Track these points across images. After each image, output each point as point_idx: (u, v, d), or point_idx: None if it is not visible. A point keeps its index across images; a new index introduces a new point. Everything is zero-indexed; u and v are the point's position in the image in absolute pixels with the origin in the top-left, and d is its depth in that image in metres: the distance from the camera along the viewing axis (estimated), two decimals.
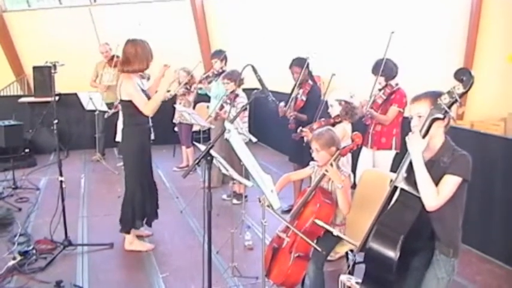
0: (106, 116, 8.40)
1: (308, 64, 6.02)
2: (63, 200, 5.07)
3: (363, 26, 12.16)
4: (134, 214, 5.13)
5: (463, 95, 2.58)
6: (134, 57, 4.86)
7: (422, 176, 2.62)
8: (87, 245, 5.31)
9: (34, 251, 4.87)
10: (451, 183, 2.62)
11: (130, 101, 4.87)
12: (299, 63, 6.03)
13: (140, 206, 5.13)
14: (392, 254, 2.60)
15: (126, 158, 5.18)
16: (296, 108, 5.96)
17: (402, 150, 5.22)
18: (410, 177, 2.73)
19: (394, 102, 5.30)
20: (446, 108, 2.59)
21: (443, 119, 2.65)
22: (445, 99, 2.60)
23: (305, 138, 5.24)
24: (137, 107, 4.86)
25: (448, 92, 2.59)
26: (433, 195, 2.59)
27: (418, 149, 2.66)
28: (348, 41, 12.35)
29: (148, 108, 4.86)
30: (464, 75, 2.57)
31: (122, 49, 5.00)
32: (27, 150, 8.72)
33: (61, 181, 5.02)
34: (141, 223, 5.29)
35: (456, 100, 2.58)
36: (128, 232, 5.19)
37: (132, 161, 5.08)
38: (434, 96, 2.75)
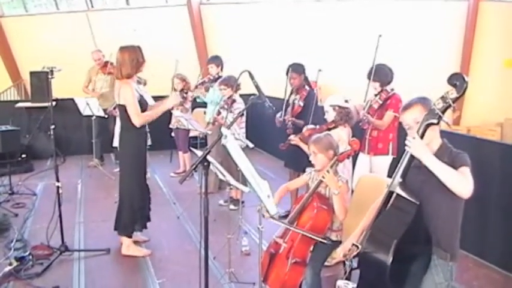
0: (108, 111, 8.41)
1: (305, 70, 6.05)
2: (59, 206, 5.06)
3: (358, 31, 12.18)
4: (134, 217, 5.16)
5: (456, 99, 2.59)
6: (122, 64, 4.94)
7: (444, 170, 2.58)
8: (84, 251, 5.30)
9: (30, 257, 4.86)
10: (466, 172, 2.62)
11: (125, 106, 4.93)
12: (296, 69, 6.05)
13: (140, 208, 5.19)
14: (385, 258, 2.61)
15: (124, 161, 5.19)
16: (294, 114, 5.98)
17: (399, 155, 5.24)
18: (405, 183, 2.74)
19: (389, 107, 5.31)
20: (440, 113, 2.60)
21: (437, 123, 2.66)
22: (438, 104, 2.61)
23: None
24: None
25: (442, 97, 2.61)
26: (463, 181, 2.56)
27: (426, 150, 2.66)
28: (344, 46, 12.38)
29: (139, 120, 4.92)
30: (457, 80, 2.58)
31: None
32: (24, 156, 8.68)
33: (58, 187, 5.02)
34: (141, 226, 5.31)
35: (450, 105, 2.59)
36: (129, 236, 5.21)
37: (130, 164, 5.11)
38: (423, 100, 2.84)
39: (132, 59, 4.94)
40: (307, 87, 6.08)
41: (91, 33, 13.52)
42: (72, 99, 8.84)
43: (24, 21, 15.30)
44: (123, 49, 4.98)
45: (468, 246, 4.96)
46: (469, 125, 12.20)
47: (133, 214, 5.15)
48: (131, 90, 4.90)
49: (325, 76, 6.05)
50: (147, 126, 5.25)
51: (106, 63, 8.81)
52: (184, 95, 7.82)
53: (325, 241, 3.51)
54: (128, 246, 5.20)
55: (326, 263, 3.86)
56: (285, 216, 5.08)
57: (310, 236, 3.54)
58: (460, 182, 2.56)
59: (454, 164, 2.61)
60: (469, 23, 12.03)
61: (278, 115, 6.07)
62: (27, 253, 4.91)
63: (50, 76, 4.94)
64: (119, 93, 4.96)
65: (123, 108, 4.97)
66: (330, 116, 5.06)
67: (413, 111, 2.86)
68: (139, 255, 5.17)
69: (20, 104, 9.92)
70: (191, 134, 8.35)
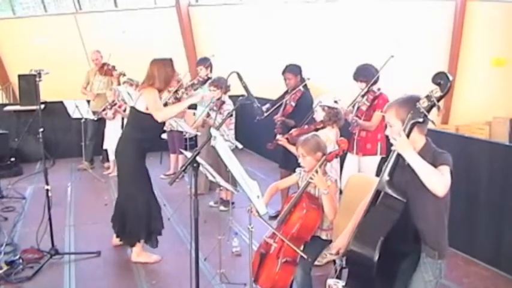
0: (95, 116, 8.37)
1: (301, 71, 6.07)
2: (49, 209, 5.05)
3: (347, 32, 12.25)
4: (139, 224, 4.98)
5: (441, 98, 2.60)
6: (152, 77, 4.83)
7: (422, 166, 2.60)
8: (74, 254, 5.28)
9: (21, 261, 4.84)
10: (445, 170, 2.63)
11: (141, 113, 4.82)
12: (292, 69, 6.07)
13: (143, 218, 4.99)
14: (371, 255, 2.62)
15: (122, 169, 5.06)
16: (284, 114, 5.99)
17: (387, 155, 5.27)
18: (393, 181, 2.76)
19: (377, 107, 5.31)
20: (425, 112, 2.62)
21: (422, 122, 2.68)
22: (423, 103, 2.63)
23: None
24: (144, 120, 4.83)
25: (427, 96, 2.62)
26: (438, 179, 2.57)
27: (409, 147, 2.67)
28: (332, 47, 12.43)
29: (161, 114, 4.80)
30: (441, 79, 2.60)
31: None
32: (13, 159, 8.66)
33: (47, 190, 5.00)
34: (144, 236, 5.06)
35: (434, 104, 2.61)
36: (133, 245, 5.08)
37: (128, 172, 4.98)
38: (399, 104, 2.82)
39: (161, 73, 4.83)
40: (302, 89, 6.07)
41: (79, 36, 13.46)
42: (61, 102, 8.82)
43: (12, 24, 15.23)
44: (153, 62, 4.89)
45: (457, 244, 4.98)
46: (457, 124, 12.29)
47: (137, 222, 4.97)
48: (155, 94, 4.80)
49: (313, 77, 6.06)
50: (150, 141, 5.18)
51: (103, 64, 8.79)
52: (178, 96, 7.78)
53: (305, 255, 3.52)
54: (138, 253, 5.08)
55: (316, 262, 3.88)
56: (275, 217, 5.11)
57: (291, 247, 3.55)
58: (435, 179, 2.58)
59: (435, 163, 2.64)
60: (456, 23, 12.11)
61: (267, 105, 6.12)
62: (17, 257, 4.89)
63: (37, 79, 4.91)
64: (139, 97, 4.88)
65: (135, 113, 4.88)
66: (319, 116, 5.07)
67: (387, 115, 2.89)
68: (149, 262, 5.07)
69: (8, 108, 9.88)
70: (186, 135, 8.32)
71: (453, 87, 12.09)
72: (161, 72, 4.84)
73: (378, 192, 2.82)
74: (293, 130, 5.25)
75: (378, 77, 5.39)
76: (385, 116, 2.95)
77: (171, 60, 4.97)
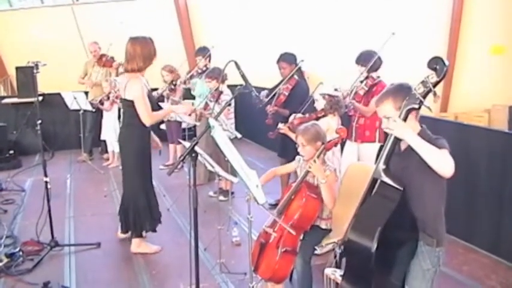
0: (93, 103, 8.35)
1: (296, 59, 6.02)
2: (48, 201, 5.04)
3: (346, 19, 12.20)
4: (141, 216, 5.00)
5: (437, 84, 2.58)
6: (133, 56, 4.74)
7: (428, 148, 2.55)
8: (74, 245, 5.30)
9: (21, 253, 4.85)
10: (447, 153, 2.59)
11: (133, 102, 4.75)
12: (286, 58, 6.03)
13: (145, 207, 5.01)
14: (369, 245, 2.61)
15: (126, 160, 5.01)
16: (277, 103, 5.92)
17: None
18: (389, 169, 2.74)
19: (375, 94, 5.26)
20: (421, 98, 2.60)
21: (418, 109, 2.66)
22: (419, 89, 2.60)
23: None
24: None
25: (422, 82, 2.60)
26: (446, 160, 2.54)
27: (409, 130, 2.64)
28: (331, 34, 12.38)
29: (150, 119, 4.75)
30: (437, 64, 2.57)
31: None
32: (11, 152, 8.65)
33: (46, 182, 4.99)
34: (150, 227, 5.10)
35: (430, 89, 2.58)
36: (139, 236, 5.10)
37: (132, 163, 4.94)
38: (394, 93, 2.78)
39: (144, 51, 4.75)
40: (296, 77, 6.03)
41: (77, 27, 13.40)
42: (59, 94, 8.80)
43: (8, 16, 15.14)
44: (134, 40, 4.78)
45: (457, 232, 5.00)
46: (456, 112, 12.28)
47: (139, 214, 4.98)
48: (140, 85, 4.71)
49: (311, 65, 6.03)
50: None
51: (102, 55, 8.77)
52: (173, 87, 7.77)
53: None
54: (138, 245, 5.10)
55: (316, 252, 3.88)
56: (275, 205, 5.11)
57: (291, 232, 3.54)
58: (443, 160, 2.54)
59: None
60: (455, 10, 12.07)
61: (264, 92, 6.08)
62: (17, 249, 4.90)
63: (35, 71, 4.88)
64: (125, 87, 4.79)
65: (128, 104, 4.80)
66: (320, 104, 5.05)
67: (383, 108, 2.83)
68: (149, 253, 5.09)
69: (6, 100, 9.86)
70: (183, 125, 8.31)
71: (452, 74, 12.08)
72: (145, 51, 4.76)
73: (374, 181, 2.81)
74: (295, 118, 5.21)
75: (379, 64, 5.36)
76: (378, 110, 2.89)
77: (150, 38, 4.88)
